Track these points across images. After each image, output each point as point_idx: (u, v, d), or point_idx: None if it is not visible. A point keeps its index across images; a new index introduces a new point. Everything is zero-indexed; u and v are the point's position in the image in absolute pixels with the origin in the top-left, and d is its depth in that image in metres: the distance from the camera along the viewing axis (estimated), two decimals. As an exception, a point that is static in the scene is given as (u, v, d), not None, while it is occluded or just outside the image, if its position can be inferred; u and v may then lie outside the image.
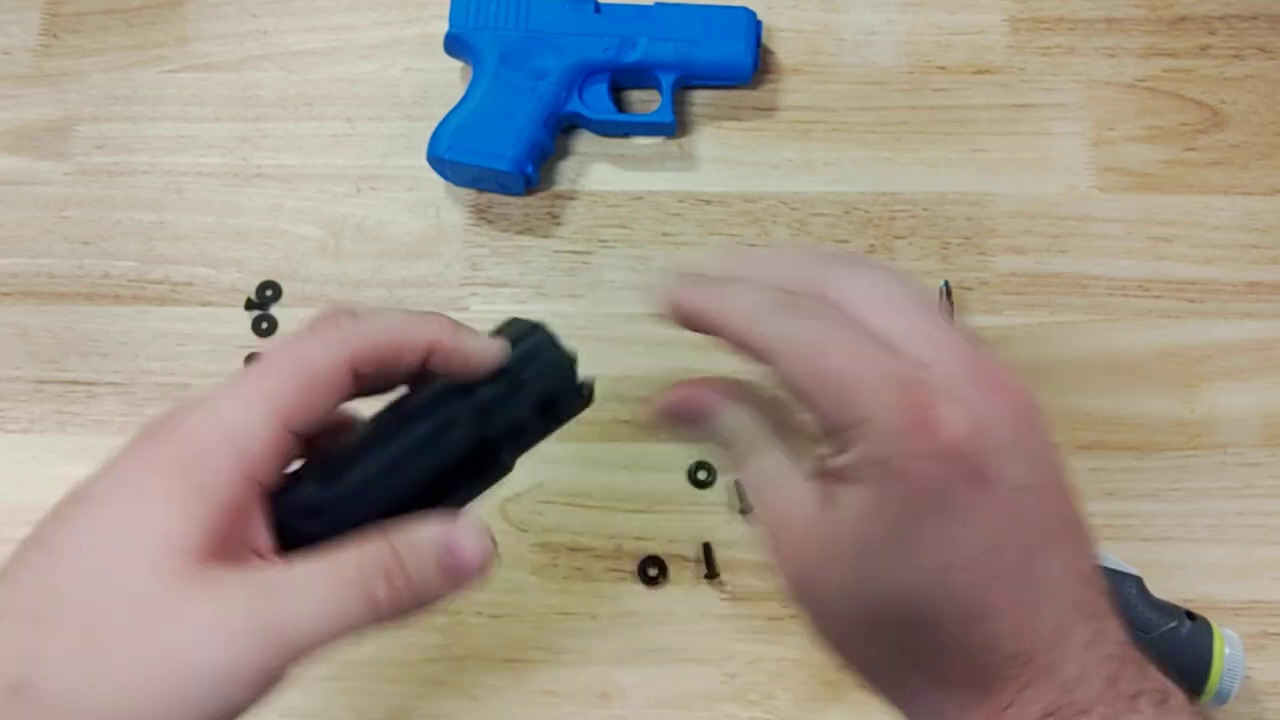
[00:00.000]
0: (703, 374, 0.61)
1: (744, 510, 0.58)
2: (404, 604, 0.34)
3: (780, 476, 0.36)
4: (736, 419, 0.38)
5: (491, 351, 0.38)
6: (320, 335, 0.36)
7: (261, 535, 0.35)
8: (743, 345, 0.36)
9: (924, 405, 0.32)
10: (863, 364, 0.33)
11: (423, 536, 0.35)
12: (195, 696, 0.32)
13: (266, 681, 0.32)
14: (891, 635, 0.34)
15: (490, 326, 0.63)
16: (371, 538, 0.34)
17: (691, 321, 0.37)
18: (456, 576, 0.35)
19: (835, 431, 0.34)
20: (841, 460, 0.34)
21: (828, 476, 0.34)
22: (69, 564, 0.32)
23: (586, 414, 0.61)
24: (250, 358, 0.63)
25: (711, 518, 0.59)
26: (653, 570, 0.58)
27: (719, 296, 0.37)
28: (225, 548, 0.33)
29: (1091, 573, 0.34)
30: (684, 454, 0.60)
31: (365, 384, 0.37)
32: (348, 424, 0.39)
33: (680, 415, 0.39)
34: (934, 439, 0.32)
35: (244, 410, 0.35)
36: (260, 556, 0.35)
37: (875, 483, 0.33)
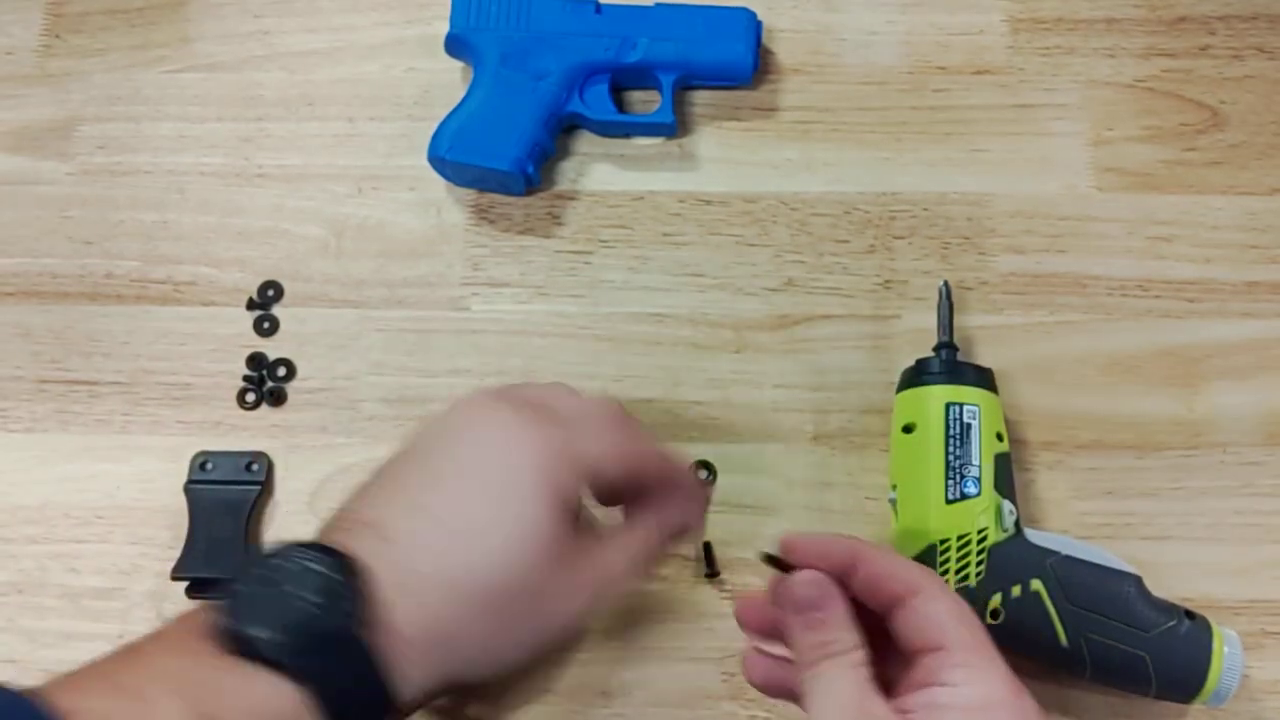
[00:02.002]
0: (704, 374, 0.61)
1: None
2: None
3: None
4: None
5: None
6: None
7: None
8: None
9: None
10: None
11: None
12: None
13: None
14: None
15: (491, 326, 0.63)
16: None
17: None
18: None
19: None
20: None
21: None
22: (469, 495, 0.45)
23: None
24: (252, 358, 0.63)
25: (711, 516, 0.59)
26: (653, 569, 0.59)
27: None
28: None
29: None
30: (683, 453, 0.60)
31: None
32: None
33: (802, 606, 0.45)
34: None
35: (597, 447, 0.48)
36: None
37: None
